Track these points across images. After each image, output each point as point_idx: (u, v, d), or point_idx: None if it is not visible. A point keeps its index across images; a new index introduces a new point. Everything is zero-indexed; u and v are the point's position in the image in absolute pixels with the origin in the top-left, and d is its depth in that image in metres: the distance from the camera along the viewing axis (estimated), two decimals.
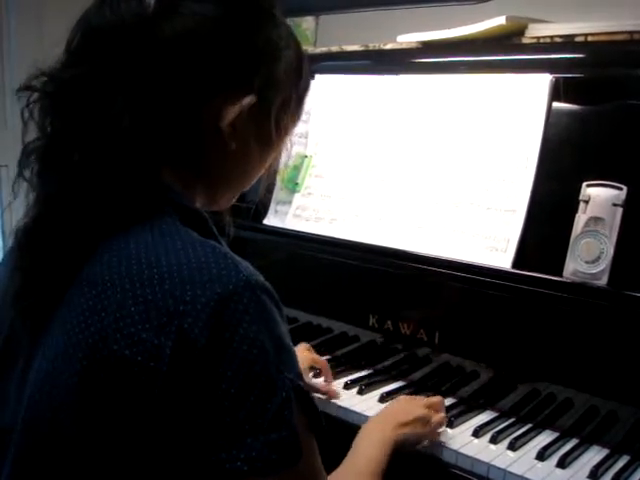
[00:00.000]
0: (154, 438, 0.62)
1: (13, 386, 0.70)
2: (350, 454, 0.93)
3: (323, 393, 1.20)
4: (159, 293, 0.62)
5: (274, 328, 0.65)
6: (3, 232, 2.11)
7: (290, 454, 0.63)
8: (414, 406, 1.04)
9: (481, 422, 1.09)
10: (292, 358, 0.66)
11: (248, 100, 0.72)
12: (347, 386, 1.23)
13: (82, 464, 0.63)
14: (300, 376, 0.66)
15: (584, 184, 1.06)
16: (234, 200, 0.84)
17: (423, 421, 1.02)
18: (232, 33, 0.70)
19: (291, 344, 0.67)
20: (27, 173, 0.70)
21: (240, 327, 0.62)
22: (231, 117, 0.71)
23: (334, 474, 0.86)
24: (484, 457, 1.01)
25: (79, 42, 0.69)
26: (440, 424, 1.06)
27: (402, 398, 1.11)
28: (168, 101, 0.68)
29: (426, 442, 1.04)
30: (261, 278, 0.66)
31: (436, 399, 1.08)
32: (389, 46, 1.46)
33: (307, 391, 0.67)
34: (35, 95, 0.69)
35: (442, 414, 1.06)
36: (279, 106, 0.76)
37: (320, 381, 1.24)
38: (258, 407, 0.61)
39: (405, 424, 0.99)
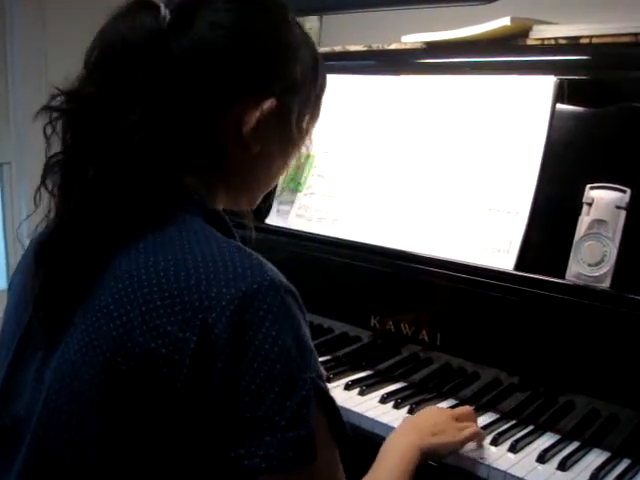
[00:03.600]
0: (173, 432, 0.63)
1: (30, 378, 0.71)
2: (375, 463, 0.89)
3: None
4: (185, 289, 0.63)
5: (297, 329, 0.65)
6: (5, 229, 2.12)
7: (306, 453, 0.63)
8: (442, 416, 1.02)
9: (482, 424, 1.09)
10: (314, 359, 0.67)
11: (268, 104, 0.73)
12: (348, 387, 1.23)
13: (99, 455, 0.64)
14: (321, 377, 0.67)
15: (587, 186, 1.06)
16: (259, 201, 0.86)
17: (451, 431, 0.98)
18: (247, 41, 0.72)
19: (313, 346, 0.68)
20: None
21: (263, 326, 0.63)
22: (253, 122, 0.72)
23: None
24: (485, 459, 1.00)
25: (96, 58, 0.70)
26: (474, 438, 1.01)
27: (430, 408, 1.09)
28: (187, 111, 0.70)
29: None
30: (285, 280, 0.67)
31: (464, 410, 1.06)
32: (393, 46, 1.46)
33: (328, 392, 0.67)
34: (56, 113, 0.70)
35: (475, 428, 1.02)
36: (299, 106, 0.78)
37: None
38: (277, 405, 0.62)
39: (432, 434, 0.96)
